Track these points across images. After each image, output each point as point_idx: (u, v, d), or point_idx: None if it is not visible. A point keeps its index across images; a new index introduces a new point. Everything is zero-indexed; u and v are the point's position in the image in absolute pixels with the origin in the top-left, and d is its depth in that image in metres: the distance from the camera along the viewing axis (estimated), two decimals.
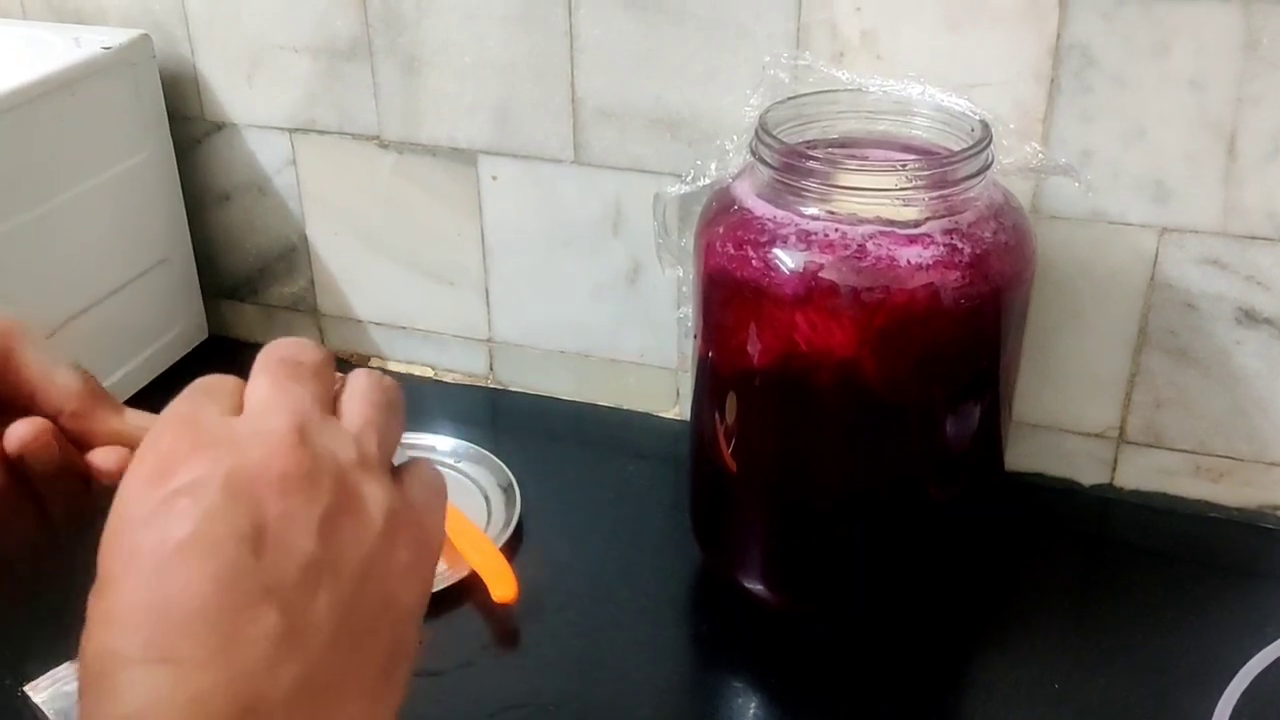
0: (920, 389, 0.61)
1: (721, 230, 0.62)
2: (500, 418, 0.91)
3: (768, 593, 0.68)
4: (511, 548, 0.74)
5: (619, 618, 0.70)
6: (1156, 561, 0.75)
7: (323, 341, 0.96)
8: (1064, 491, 0.80)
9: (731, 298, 0.62)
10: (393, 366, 0.94)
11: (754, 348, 0.62)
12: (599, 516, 0.78)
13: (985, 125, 0.61)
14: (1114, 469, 0.79)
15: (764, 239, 0.60)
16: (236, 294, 0.96)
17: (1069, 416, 0.79)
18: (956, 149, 0.63)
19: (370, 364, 0.95)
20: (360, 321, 0.94)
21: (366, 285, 0.92)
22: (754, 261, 0.60)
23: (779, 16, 0.72)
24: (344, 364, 0.95)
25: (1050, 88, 0.70)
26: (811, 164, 0.59)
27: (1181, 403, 0.75)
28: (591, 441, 0.87)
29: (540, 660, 0.67)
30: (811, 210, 0.59)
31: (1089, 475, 0.80)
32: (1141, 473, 0.78)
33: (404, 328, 0.93)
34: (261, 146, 0.89)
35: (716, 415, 0.66)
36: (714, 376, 0.65)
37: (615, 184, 0.81)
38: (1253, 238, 0.70)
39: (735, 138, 0.65)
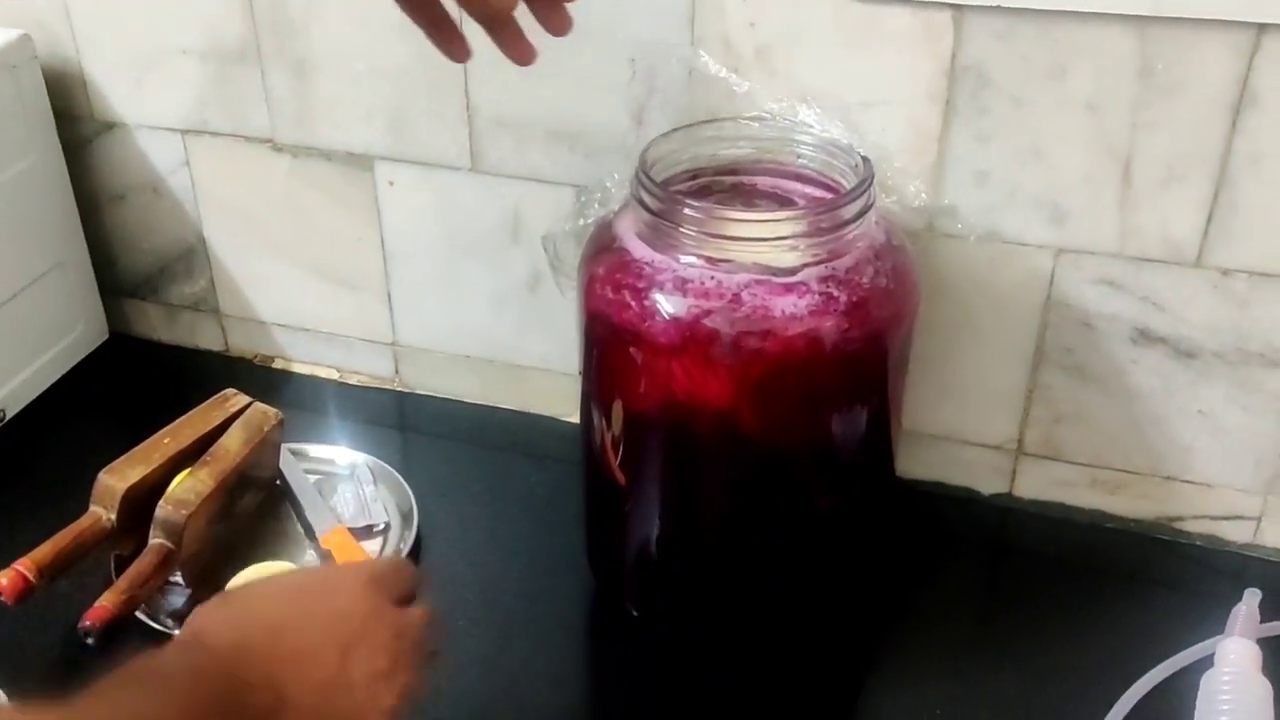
0: (800, 433, 0.61)
1: (601, 270, 0.61)
2: (406, 420, 0.90)
3: (659, 618, 0.68)
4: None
5: (513, 644, 0.70)
6: (1053, 569, 0.76)
7: (225, 341, 0.95)
8: (964, 500, 0.81)
9: (611, 339, 0.61)
10: (297, 367, 0.93)
11: (634, 390, 0.61)
12: (498, 532, 0.78)
13: (867, 163, 0.60)
14: (1013, 479, 0.79)
15: (641, 283, 0.59)
16: (137, 293, 0.94)
17: (969, 428, 0.78)
18: (842, 180, 0.62)
19: (274, 364, 0.94)
20: (263, 323, 0.92)
21: (268, 287, 0.90)
22: (632, 306, 0.59)
23: (672, 30, 0.70)
24: (247, 363, 0.94)
25: (945, 108, 0.68)
26: (689, 211, 0.58)
27: (1079, 418, 0.75)
28: (496, 445, 0.86)
29: (431, 689, 0.67)
30: (689, 257, 0.58)
31: (988, 485, 0.80)
32: (1039, 483, 0.79)
33: (307, 329, 0.91)
34: (153, 147, 0.86)
35: (604, 445, 0.65)
36: (600, 412, 0.65)
37: (514, 193, 0.79)
38: (1147, 260, 0.69)
39: (616, 174, 0.64)
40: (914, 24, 0.66)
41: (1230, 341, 0.70)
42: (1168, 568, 0.77)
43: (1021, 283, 0.72)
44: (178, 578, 0.72)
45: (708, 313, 0.57)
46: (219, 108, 0.83)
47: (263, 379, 0.92)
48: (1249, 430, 0.72)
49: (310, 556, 0.76)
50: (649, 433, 0.62)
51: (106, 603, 0.66)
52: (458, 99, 0.77)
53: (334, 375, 0.92)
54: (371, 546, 0.76)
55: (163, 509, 0.70)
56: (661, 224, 0.59)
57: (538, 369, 0.86)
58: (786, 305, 0.57)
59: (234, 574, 0.72)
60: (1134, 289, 0.70)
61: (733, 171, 0.65)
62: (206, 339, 0.95)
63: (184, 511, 0.70)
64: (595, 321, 0.61)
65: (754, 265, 0.57)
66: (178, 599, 0.72)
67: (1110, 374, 0.73)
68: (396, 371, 0.91)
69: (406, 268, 0.85)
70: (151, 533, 0.70)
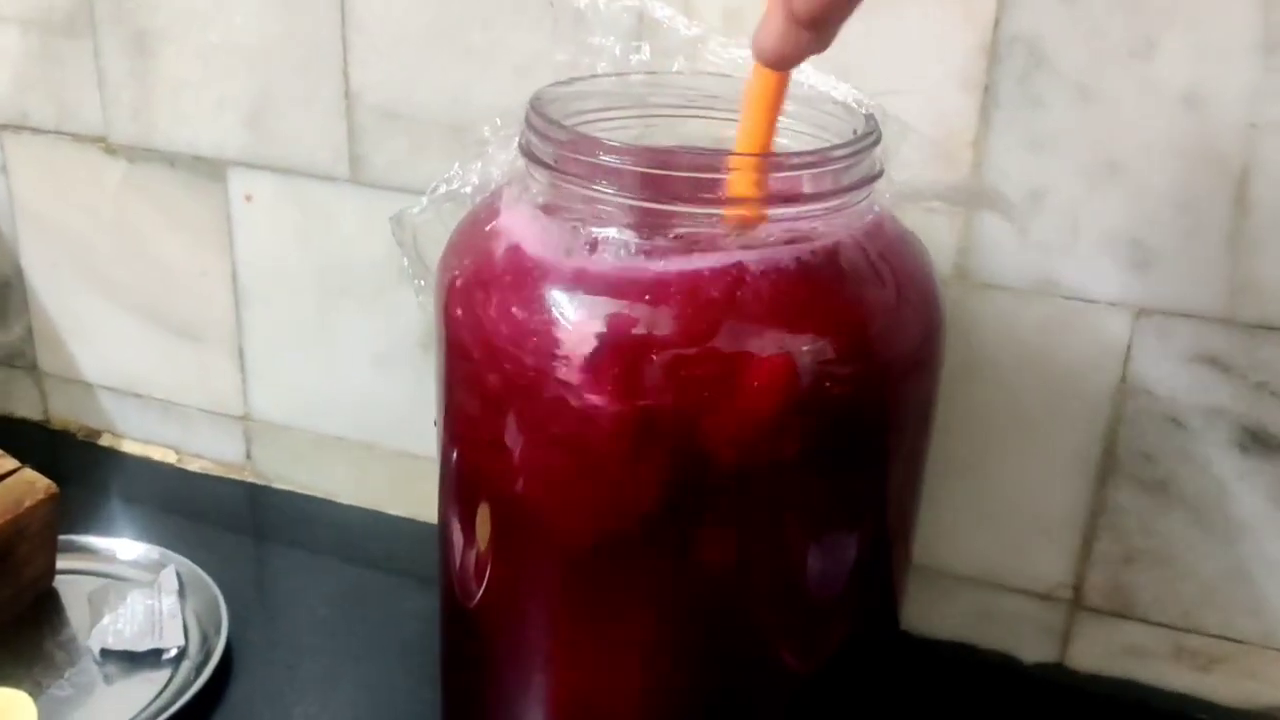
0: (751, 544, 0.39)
1: (468, 262, 0.41)
2: (253, 522, 0.69)
3: None
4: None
5: None
6: None
7: (45, 408, 0.74)
8: (998, 668, 0.58)
9: (480, 367, 0.40)
10: (128, 446, 0.72)
11: (514, 443, 0.40)
12: (339, 676, 0.56)
13: (871, 119, 0.41)
14: (1066, 643, 0.57)
15: (533, 276, 0.38)
16: None
17: (1007, 567, 0.57)
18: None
19: (101, 440, 0.73)
20: (89, 385, 0.72)
21: (95, 336, 0.71)
22: (516, 313, 0.38)
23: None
24: (70, 438, 0.74)
25: (983, 98, 0.49)
26: (606, 158, 0.38)
27: (1161, 557, 0.54)
28: (365, 561, 0.64)
29: None
30: (608, 230, 0.38)
31: (1032, 650, 0.58)
32: (1103, 651, 0.57)
33: (139, 395, 0.71)
34: None
35: (464, 563, 0.44)
36: (458, 509, 0.44)
37: None
38: (1269, 328, 0.49)
39: (498, 119, 0.44)
40: None
41: None
42: None
43: (1085, 357, 0.52)
44: None
45: (632, 316, 0.36)
46: (43, 95, 0.65)
47: (87, 459, 0.71)
48: None
49: (64, 690, 0.53)
50: (532, 539, 0.41)
51: None
52: (334, 82, 0.59)
53: (171, 458, 0.71)
54: (156, 678, 0.54)
55: None
56: (563, 183, 0.39)
57: (431, 458, 0.65)
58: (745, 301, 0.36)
59: None
60: (1247, 371, 0.50)
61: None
62: (24, 405, 0.74)
63: None
64: (456, 346, 0.41)
65: (687, 239, 0.37)
66: None
67: (1208, 495, 0.52)
68: (248, 456, 0.69)
69: (263, 313, 0.65)
70: None
